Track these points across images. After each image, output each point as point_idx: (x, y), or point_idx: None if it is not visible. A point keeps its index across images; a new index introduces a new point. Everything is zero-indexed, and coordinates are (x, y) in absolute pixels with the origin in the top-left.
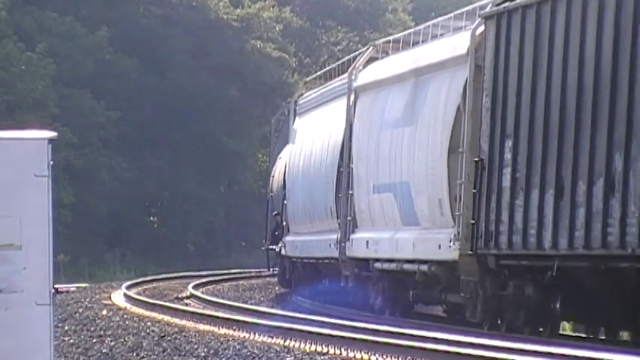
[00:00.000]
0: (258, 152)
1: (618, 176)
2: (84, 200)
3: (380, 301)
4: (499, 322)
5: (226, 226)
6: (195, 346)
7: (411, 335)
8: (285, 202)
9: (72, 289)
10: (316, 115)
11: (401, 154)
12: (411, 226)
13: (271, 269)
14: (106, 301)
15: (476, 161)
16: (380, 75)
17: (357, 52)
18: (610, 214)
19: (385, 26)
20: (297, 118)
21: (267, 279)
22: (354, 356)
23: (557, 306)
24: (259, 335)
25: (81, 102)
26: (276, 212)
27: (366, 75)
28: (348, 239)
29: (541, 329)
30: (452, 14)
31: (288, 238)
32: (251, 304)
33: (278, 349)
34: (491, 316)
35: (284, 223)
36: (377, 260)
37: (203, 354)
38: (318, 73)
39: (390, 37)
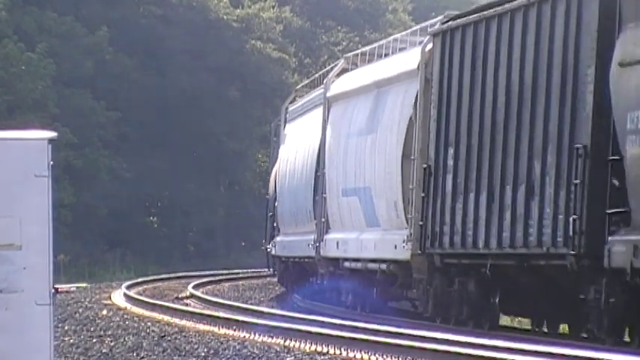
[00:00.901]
0: (258, 152)
1: (537, 181)
2: (84, 200)
3: (350, 297)
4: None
5: (226, 226)
6: (195, 346)
7: (411, 335)
8: (276, 204)
9: (72, 289)
10: (301, 122)
11: (364, 161)
12: (373, 228)
13: (271, 269)
14: (106, 301)
15: (424, 167)
16: (349, 86)
17: (334, 64)
18: (530, 217)
19: (385, 26)
20: (287, 124)
21: (267, 279)
22: (354, 356)
23: (497, 301)
24: (259, 335)
25: (81, 102)
26: (271, 213)
27: (338, 86)
28: (322, 240)
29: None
30: (409, 30)
31: (278, 239)
32: (251, 304)
33: (278, 349)
34: (441, 311)
35: (274, 224)
36: (346, 259)
37: (203, 354)
38: (306, 81)
39: (359, 50)
